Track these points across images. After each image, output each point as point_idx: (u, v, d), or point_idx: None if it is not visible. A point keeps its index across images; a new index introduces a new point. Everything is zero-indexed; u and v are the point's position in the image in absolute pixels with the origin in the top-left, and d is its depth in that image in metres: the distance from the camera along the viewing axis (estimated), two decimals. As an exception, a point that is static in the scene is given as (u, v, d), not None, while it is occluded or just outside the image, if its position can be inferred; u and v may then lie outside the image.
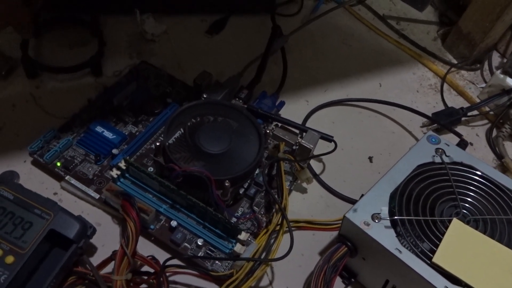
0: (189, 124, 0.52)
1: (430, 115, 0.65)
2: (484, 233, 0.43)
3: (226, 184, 0.46)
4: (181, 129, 0.51)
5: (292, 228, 0.48)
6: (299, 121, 0.61)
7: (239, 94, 0.59)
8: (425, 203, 0.45)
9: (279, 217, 0.47)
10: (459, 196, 0.46)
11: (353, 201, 0.55)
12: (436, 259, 0.41)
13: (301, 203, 0.55)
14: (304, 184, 0.55)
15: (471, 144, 0.64)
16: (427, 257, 0.41)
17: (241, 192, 0.52)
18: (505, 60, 0.73)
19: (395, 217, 0.43)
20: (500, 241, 0.43)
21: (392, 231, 0.43)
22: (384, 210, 0.44)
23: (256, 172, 0.53)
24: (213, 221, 0.48)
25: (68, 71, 0.61)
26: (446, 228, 0.43)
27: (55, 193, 0.51)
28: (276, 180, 0.51)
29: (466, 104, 0.69)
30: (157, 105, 0.58)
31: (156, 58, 0.67)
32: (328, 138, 0.56)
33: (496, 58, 0.75)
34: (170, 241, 0.47)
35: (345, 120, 0.65)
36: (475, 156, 0.50)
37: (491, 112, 0.68)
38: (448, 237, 0.42)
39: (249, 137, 0.52)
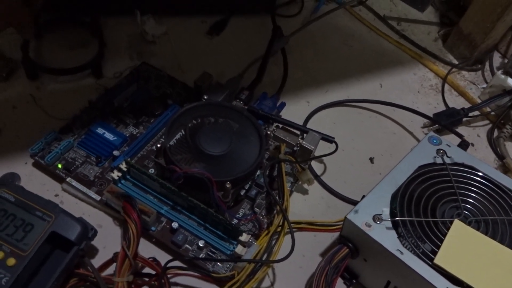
0: (190, 125, 0.52)
1: (431, 115, 0.65)
2: (486, 234, 0.43)
3: (227, 186, 0.46)
4: (182, 131, 0.51)
5: (293, 230, 0.48)
6: (300, 122, 0.61)
7: (240, 95, 0.59)
8: (426, 204, 0.45)
9: (280, 219, 0.47)
10: (461, 197, 0.46)
11: (354, 202, 0.55)
12: (437, 260, 0.41)
13: (302, 204, 0.55)
14: (305, 185, 0.55)
15: (472, 144, 0.64)
16: (428, 258, 0.41)
17: (242, 194, 0.52)
18: (506, 61, 0.73)
19: (397, 218, 0.43)
20: (501, 242, 0.43)
21: (393, 232, 0.43)
22: (386, 211, 0.44)
23: (257, 174, 0.53)
24: (214, 222, 0.48)
25: (69, 72, 0.61)
26: (448, 229, 0.43)
27: (56, 195, 0.51)
28: (277, 182, 0.51)
29: (467, 105, 0.69)
30: (157, 107, 0.58)
31: (157, 59, 0.67)
32: (329, 139, 0.56)
33: (497, 59, 0.75)
34: (171, 242, 0.47)
35: (346, 121, 0.65)
36: (476, 157, 0.50)
37: (492, 113, 0.68)
38: (450, 238, 0.42)
39: (250, 139, 0.52)
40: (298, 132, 0.57)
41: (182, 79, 0.63)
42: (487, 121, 0.68)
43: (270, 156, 0.55)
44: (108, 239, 0.48)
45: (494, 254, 0.42)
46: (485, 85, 0.71)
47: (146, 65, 0.64)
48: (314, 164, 0.58)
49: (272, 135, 0.55)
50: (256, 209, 0.51)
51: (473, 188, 0.47)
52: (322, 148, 0.56)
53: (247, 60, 0.67)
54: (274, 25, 0.71)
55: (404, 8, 0.84)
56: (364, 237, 0.43)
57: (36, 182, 0.52)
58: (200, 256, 0.47)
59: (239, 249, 0.46)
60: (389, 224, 0.43)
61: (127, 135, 0.55)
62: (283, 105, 0.63)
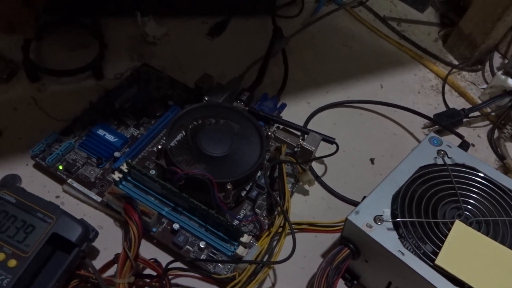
0: (190, 126, 0.52)
1: (432, 116, 0.65)
2: (487, 235, 0.43)
3: (228, 187, 0.46)
4: (183, 132, 0.51)
5: (294, 230, 0.48)
6: (301, 123, 0.61)
7: (241, 96, 0.59)
8: (427, 205, 0.45)
9: (281, 219, 0.47)
10: (462, 198, 0.46)
11: (355, 203, 0.55)
12: (438, 261, 0.41)
13: (303, 205, 0.55)
14: (306, 186, 0.55)
15: (473, 145, 0.64)
16: (429, 259, 0.41)
17: (243, 195, 0.52)
18: (506, 61, 0.73)
19: (398, 219, 0.43)
20: (502, 242, 0.43)
21: (394, 233, 0.43)
22: (386, 212, 0.44)
23: (258, 175, 0.53)
24: (215, 223, 0.48)
25: (70, 74, 0.61)
26: (449, 230, 0.43)
27: (57, 196, 0.51)
28: (278, 183, 0.51)
29: (467, 105, 0.69)
30: (158, 108, 0.58)
31: (157, 61, 0.67)
32: (329, 140, 0.56)
33: (497, 59, 0.75)
34: (172, 243, 0.47)
35: (347, 122, 0.65)
36: (477, 158, 0.50)
37: (493, 113, 0.68)
38: (451, 239, 0.42)
39: (250, 140, 0.52)
40: (299, 133, 0.57)
41: (182, 80, 0.63)
42: (487, 122, 0.68)
43: (271, 157, 0.56)
44: (109, 241, 0.48)
45: (495, 255, 0.42)
46: (485, 86, 0.71)
47: (146, 66, 0.65)
48: (314, 165, 0.58)
49: (272, 136, 0.55)
50: (257, 210, 0.51)
51: (474, 189, 0.47)
52: (323, 149, 0.56)
53: (248, 61, 0.67)
54: (274, 26, 0.71)
55: (404, 9, 0.84)
56: (365, 238, 0.43)
57: (37, 184, 0.52)
58: (201, 257, 0.47)
59: (240, 250, 0.46)
60: (390, 225, 0.43)
61: (128, 137, 0.55)
62: (283, 106, 0.63)
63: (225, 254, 0.47)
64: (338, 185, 0.57)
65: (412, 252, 0.42)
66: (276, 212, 0.50)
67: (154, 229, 0.48)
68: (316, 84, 0.69)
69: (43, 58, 0.64)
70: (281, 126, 0.58)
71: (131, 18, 0.68)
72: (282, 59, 0.69)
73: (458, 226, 0.43)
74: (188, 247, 0.47)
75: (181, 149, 0.50)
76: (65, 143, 0.53)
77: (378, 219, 0.43)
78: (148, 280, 0.44)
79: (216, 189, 0.46)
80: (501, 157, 0.63)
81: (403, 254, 0.41)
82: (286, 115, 0.62)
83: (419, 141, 0.63)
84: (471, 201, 0.46)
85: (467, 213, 0.45)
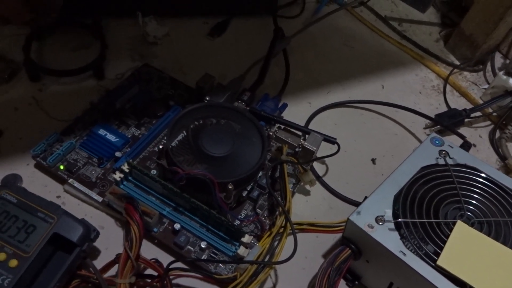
0: (192, 126, 0.52)
1: (433, 116, 0.65)
2: (489, 235, 0.43)
3: (229, 187, 0.46)
4: (184, 132, 0.51)
5: (296, 231, 0.48)
6: (302, 123, 0.61)
7: (242, 96, 0.59)
8: (429, 205, 0.45)
9: (282, 220, 0.47)
10: (463, 198, 0.46)
11: (356, 203, 0.55)
12: (440, 261, 0.41)
13: (304, 206, 0.54)
14: (307, 186, 0.55)
15: (475, 145, 0.64)
16: (431, 259, 0.41)
17: (244, 195, 0.52)
18: (507, 61, 0.73)
19: (399, 220, 0.43)
20: (504, 243, 0.43)
21: (396, 233, 0.43)
22: (388, 213, 0.44)
23: (259, 175, 0.53)
24: (217, 223, 0.48)
25: (71, 74, 0.61)
26: (450, 230, 0.43)
27: (58, 196, 0.51)
28: (279, 183, 0.51)
29: (469, 106, 0.69)
30: (159, 108, 0.58)
31: (158, 61, 0.67)
32: (331, 140, 0.56)
33: (498, 59, 0.75)
34: (173, 244, 0.47)
35: (348, 122, 0.65)
36: (479, 158, 0.50)
37: (494, 113, 0.68)
38: (453, 239, 0.42)
39: (252, 140, 0.52)
40: (300, 133, 0.57)
41: (183, 80, 0.63)
42: (489, 122, 0.68)
43: (272, 157, 0.55)
44: (110, 241, 0.48)
45: (497, 255, 0.42)
46: (487, 86, 0.71)
47: (147, 67, 0.64)
48: (316, 165, 0.58)
49: (274, 136, 0.55)
50: (258, 210, 0.51)
51: (475, 189, 0.47)
52: (324, 149, 0.55)
53: (249, 61, 0.67)
54: (275, 26, 0.71)
55: (405, 9, 0.84)
56: (366, 239, 0.43)
57: (38, 184, 0.52)
58: (202, 258, 0.47)
59: (242, 251, 0.46)
60: (392, 226, 0.43)
61: (129, 137, 0.55)
62: (285, 106, 0.63)
63: (226, 254, 0.47)
64: (339, 185, 0.57)
65: (413, 253, 0.41)
66: (277, 212, 0.49)
67: (155, 229, 0.48)
68: (317, 84, 0.68)
69: (44, 58, 0.64)
70: (282, 126, 0.58)
71: (132, 18, 0.68)
72: (283, 59, 0.69)
73: (460, 227, 0.43)
74: (189, 247, 0.47)
75: (182, 149, 0.50)
76: (66, 143, 0.53)
77: (379, 219, 0.43)
78: (149, 280, 0.44)
79: (217, 189, 0.46)
80: (503, 157, 0.63)
81: (404, 254, 0.41)
82: (287, 115, 0.62)
83: (420, 142, 0.63)
84: (473, 201, 0.46)
85: (468, 213, 0.45)
